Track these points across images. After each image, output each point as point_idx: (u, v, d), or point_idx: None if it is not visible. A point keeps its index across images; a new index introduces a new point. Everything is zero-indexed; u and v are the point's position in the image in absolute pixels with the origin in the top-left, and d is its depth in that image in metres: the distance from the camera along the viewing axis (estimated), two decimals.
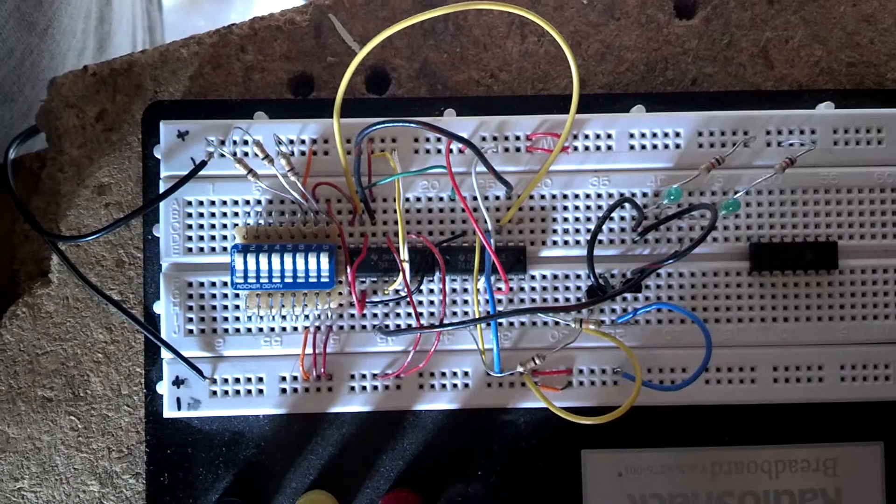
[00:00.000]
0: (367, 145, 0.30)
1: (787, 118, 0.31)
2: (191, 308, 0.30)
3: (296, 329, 0.30)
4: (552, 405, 0.28)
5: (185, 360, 0.30)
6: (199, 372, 0.30)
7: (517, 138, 0.30)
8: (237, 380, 0.30)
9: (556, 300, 0.30)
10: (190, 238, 0.30)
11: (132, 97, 0.33)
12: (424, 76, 0.32)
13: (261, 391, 0.30)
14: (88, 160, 0.32)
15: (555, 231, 0.30)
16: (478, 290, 0.30)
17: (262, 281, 0.29)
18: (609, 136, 0.31)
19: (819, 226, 0.31)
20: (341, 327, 0.30)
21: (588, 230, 0.30)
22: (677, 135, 0.31)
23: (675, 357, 0.30)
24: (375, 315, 0.30)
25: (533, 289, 0.30)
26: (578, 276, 0.30)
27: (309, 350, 0.30)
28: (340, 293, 0.30)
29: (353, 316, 0.30)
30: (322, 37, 0.32)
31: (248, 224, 0.30)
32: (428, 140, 0.30)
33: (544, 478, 0.31)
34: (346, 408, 0.30)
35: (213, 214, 0.30)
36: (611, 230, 0.31)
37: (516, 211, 0.30)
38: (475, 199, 0.30)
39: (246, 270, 0.29)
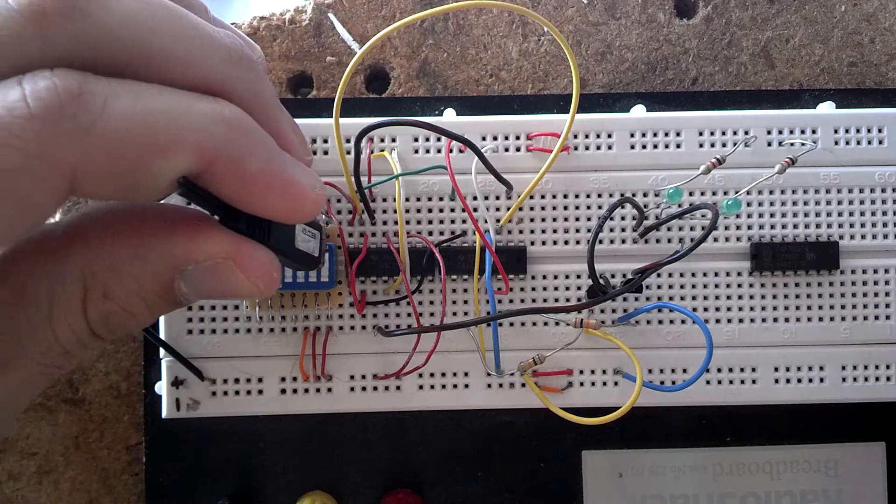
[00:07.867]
0: (367, 145, 0.30)
1: (788, 118, 0.31)
2: (190, 308, 0.30)
3: (295, 329, 0.30)
4: (552, 406, 0.28)
5: (184, 360, 0.29)
6: (198, 373, 0.30)
7: (517, 138, 0.30)
8: (236, 380, 0.30)
9: (557, 300, 0.30)
10: None
11: None
12: (424, 76, 0.32)
13: (260, 392, 0.30)
14: None
15: (555, 231, 0.30)
16: (478, 291, 0.30)
17: None
18: (609, 136, 0.30)
19: (820, 226, 0.31)
20: (341, 328, 0.30)
21: (588, 230, 0.30)
22: (678, 134, 0.30)
23: (676, 357, 0.30)
24: (375, 315, 0.30)
25: (533, 289, 0.30)
26: (579, 276, 0.30)
27: (308, 351, 0.30)
28: (340, 293, 0.30)
29: (352, 316, 0.30)
30: (321, 36, 0.32)
31: None
32: (428, 140, 0.30)
33: (544, 478, 0.31)
34: (346, 408, 0.30)
35: None
36: (611, 230, 0.30)
37: (516, 211, 0.30)
38: (475, 199, 0.30)
39: None
